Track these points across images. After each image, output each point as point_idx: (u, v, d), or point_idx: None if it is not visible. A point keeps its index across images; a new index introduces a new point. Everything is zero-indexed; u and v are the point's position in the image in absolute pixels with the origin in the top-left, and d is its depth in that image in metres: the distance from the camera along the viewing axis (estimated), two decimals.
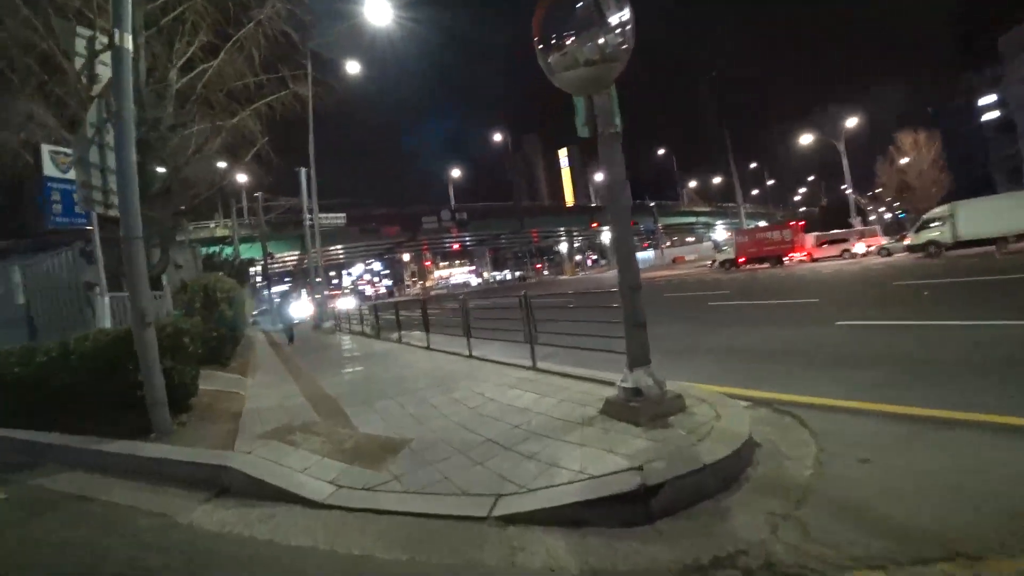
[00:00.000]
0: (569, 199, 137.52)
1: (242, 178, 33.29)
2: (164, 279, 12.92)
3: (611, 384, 5.23)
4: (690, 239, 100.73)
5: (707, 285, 24.13)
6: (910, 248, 27.61)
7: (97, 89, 7.12)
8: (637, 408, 4.46)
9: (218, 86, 13.28)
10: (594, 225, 61.99)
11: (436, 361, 9.09)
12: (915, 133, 51.19)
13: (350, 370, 9.23)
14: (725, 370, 6.80)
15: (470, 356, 8.94)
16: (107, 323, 8.33)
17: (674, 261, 70.90)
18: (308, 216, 23.37)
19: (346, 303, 42.04)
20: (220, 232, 41.42)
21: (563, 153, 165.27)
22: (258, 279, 37.99)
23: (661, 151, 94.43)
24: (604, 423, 4.61)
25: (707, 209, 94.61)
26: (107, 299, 8.40)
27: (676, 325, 11.42)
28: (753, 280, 24.04)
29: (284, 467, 4.49)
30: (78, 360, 6.23)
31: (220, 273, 10.40)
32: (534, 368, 7.17)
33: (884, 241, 34.45)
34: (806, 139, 50.40)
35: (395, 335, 13.45)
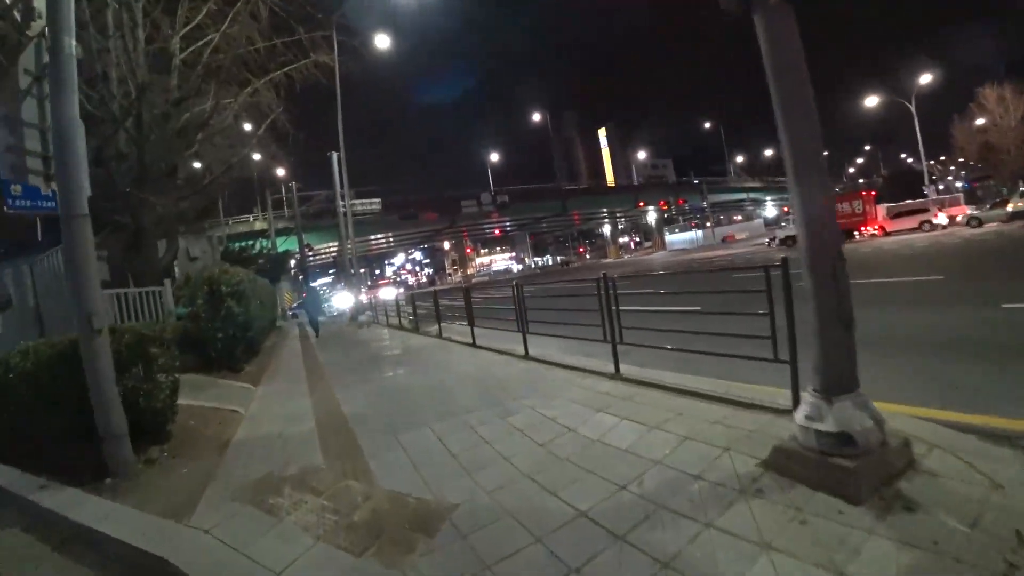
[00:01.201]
0: (609, 180, 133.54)
1: (280, 172, 32.43)
2: (176, 271, 11.59)
3: (756, 408, 3.45)
4: (737, 217, 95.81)
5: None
6: (1015, 215, 24.22)
7: (37, 27, 5.52)
8: (850, 470, 2.52)
9: (227, 54, 11.68)
10: (640, 204, 58.96)
11: (484, 363, 7.26)
12: (1000, 87, 45.89)
13: (378, 376, 7.50)
14: (896, 374, 4.77)
15: (526, 357, 7.09)
16: None
17: (724, 240, 67.01)
18: (341, 202, 21.87)
19: (389, 293, 40.93)
20: (259, 225, 40.80)
21: (602, 133, 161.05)
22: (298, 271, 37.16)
23: (707, 124, 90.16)
24: (784, 492, 2.68)
25: (757, 185, 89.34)
26: None
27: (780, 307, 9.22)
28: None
29: (255, 564, 2.76)
30: (16, 380, 4.71)
31: (227, 265, 8.86)
32: (619, 377, 5.25)
33: (970, 210, 30.74)
34: (871, 101, 45.77)
35: (434, 328, 11.72)
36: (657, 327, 4.95)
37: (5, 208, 6.61)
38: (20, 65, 5.42)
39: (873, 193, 35.54)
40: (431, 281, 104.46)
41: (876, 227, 32.12)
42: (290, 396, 6.89)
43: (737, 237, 71.66)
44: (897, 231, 31.72)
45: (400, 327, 15.32)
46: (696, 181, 75.00)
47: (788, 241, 36.71)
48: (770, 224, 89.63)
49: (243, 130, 14.11)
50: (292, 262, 35.93)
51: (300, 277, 31.04)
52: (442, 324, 11.37)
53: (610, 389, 4.92)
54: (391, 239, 68.32)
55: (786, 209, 54.64)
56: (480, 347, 8.67)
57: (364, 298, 27.68)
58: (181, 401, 6.31)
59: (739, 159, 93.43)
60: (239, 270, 9.24)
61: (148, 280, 9.15)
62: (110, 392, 4.46)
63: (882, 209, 34.33)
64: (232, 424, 5.73)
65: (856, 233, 32.14)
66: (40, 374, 4.66)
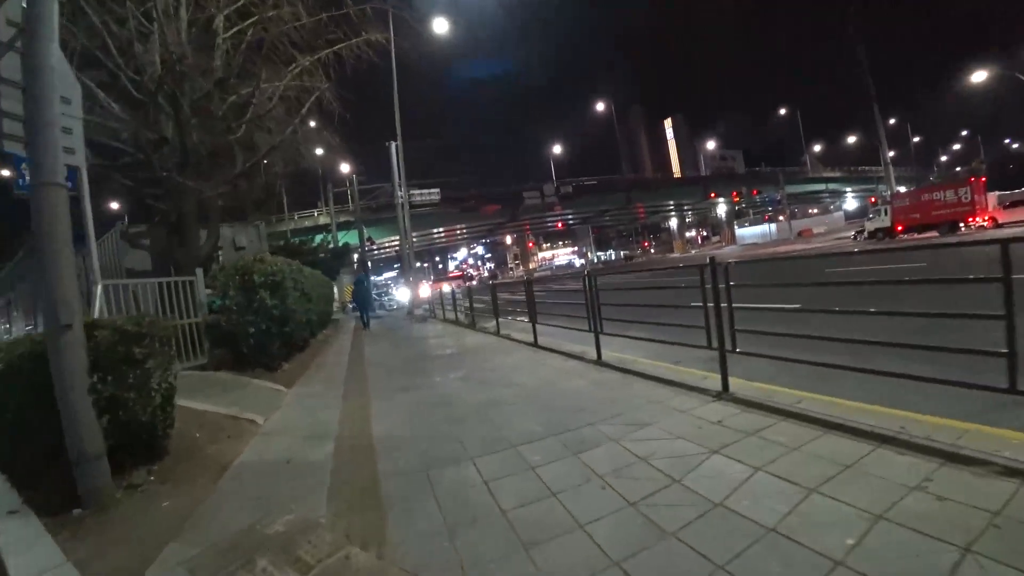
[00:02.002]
0: (676, 172, 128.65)
1: (345, 168, 32.36)
2: (221, 262, 11.01)
3: (986, 466, 2.15)
4: (813, 210, 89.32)
5: (884, 258, 19.03)
6: None
7: None
8: None
9: (272, 31, 10.93)
10: (712, 195, 55.69)
11: (548, 369, 6.00)
12: None
13: (423, 383, 6.36)
14: None
15: (599, 362, 5.79)
16: (104, 315, 6.12)
17: (800, 234, 62.24)
18: (399, 192, 21.16)
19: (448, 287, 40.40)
20: (323, 220, 41.19)
21: (668, 123, 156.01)
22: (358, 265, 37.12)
23: (781, 111, 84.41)
24: None
25: (837, 175, 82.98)
26: (99, 288, 6.17)
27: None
28: (951, 254, 18.59)
29: None
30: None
31: (268, 255, 8.01)
32: (728, 397, 3.88)
33: None
34: (978, 76, 40.76)
35: (492, 324, 10.57)
36: (777, 330, 3.56)
37: (13, 192, 5.92)
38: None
39: (983, 180, 31.55)
40: (492, 275, 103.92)
41: (986, 218, 28.39)
42: (320, 404, 5.88)
43: (814, 231, 66.86)
44: (1012, 222, 27.95)
45: (456, 322, 14.31)
46: (771, 170, 70.52)
47: (878, 233, 33.32)
48: (852, 217, 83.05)
49: (292, 114, 13.40)
50: (356, 256, 36.00)
51: (363, 271, 30.85)
52: (500, 320, 10.20)
53: (722, 415, 3.55)
54: (461, 231, 67.97)
55: (873, 200, 49.95)
56: (543, 348, 7.43)
57: (427, 291, 27.14)
58: (197, 406, 5.48)
59: (816, 148, 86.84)
60: (278, 259, 8.40)
61: (189, 271, 8.49)
62: (80, 404, 3.55)
63: (992, 197, 30.46)
64: (243, 439, 4.74)
65: (962, 225, 28.56)
66: (13, 375, 3.81)
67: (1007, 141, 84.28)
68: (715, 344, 3.99)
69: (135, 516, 3.41)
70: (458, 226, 59.44)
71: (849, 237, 40.43)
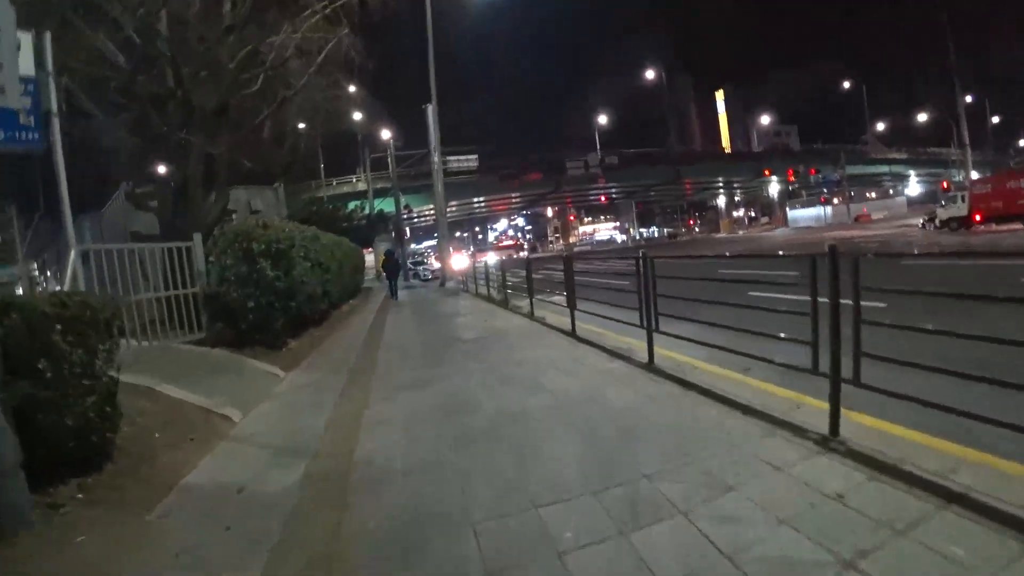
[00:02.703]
0: (726, 147, 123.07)
1: (387, 134, 31.45)
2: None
3: None
4: (870, 193, 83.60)
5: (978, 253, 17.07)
6: None
7: None
8: None
9: None
10: (767, 172, 52.41)
11: (587, 371, 4.93)
12: None
13: (436, 379, 5.36)
14: None
15: (650, 366, 4.68)
16: (79, 285, 5.34)
17: (857, 219, 58.14)
18: (434, 156, 20.13)
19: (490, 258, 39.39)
20: (362, 186, 40.60)
21: (719, 95, 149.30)
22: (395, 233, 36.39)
23: (845, 84, 78.71)
24: None
25: (903, 156, 77.20)
26: (73, 253, 5.38)
27: None
28: None
29: None
30: None
31: (272, 219, 7.10)
32: (841, 445, 2.71)
33: None
34: None
35: (525, 304, 9.55)
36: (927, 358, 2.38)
37: None
38: None
39: None
40: (532, 247, 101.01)
41: None
42: (311, 400, 4.98)
43: (872, 217, 62.72)
44: None
45: (488, 298, 13.31)
46: (831, 148, 66.26)
47: (951, 223, 30.40)
48: (915, 203, 77.27)
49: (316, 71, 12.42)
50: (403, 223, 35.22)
51: (396, 240, 30.14)
52: (536, 299, 9.13)
53: (840, 482, 2.41)
54: (501, 201, 66.44)
55: (945, 185, 45.97)
56: (581, 340, 6.34)
57: (465, 261, 26.17)
58: (174, 392, 4.66)
59: (879, 127, 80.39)
60: (288, 225, 7.55)
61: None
62: None
63: None
64: (208, 444, 3.88)
65: None
66: None
67: None
68: (825, 368, 2.83)
69: (39, 554, 2.58)
70: (498, 196, 58.10)
71: (913, 225, 37.37)
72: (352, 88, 13.27)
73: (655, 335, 4.74)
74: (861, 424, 2.93)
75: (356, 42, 11.79)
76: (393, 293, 16.90)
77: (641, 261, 4.71)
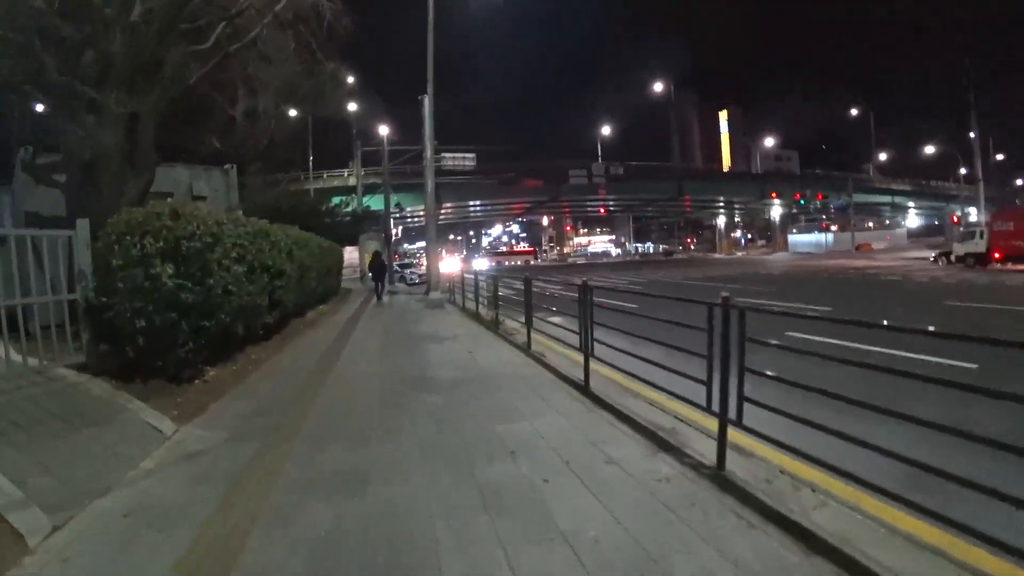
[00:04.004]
0: (726, 167, 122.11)
1: (384, 130, 29.50)
2: None
3: None
4: (868, 223, 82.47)
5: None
6: None
7: None
8: None
9: None
10: (773, 195, 50.86)
11: (624, 485, 3.04)
12: None
13: (379, 467, 3.49)
14: None
15: (724, 478, 2.86)
16: None
17: (858, 248, 56.92)
18: (427, 149, 18.26)
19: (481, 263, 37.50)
20: (353, 181, 38.65)
21: (723, 116, 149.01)
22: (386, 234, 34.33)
23: (852, 111, 77.63)
24: None
25: (906, 188, 76.08)
26: None
27: None
28: None
29: None
30: None
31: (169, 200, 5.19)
32: None
33: None
34: None
35: (519, 328, 7.77)
36: None
37: None
38: None
39: None
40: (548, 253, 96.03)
41: None
42: (182, 499, 3.09)
43: (873, 246, 61.68)
44: None
45: (476, 316, 11.46)
46: (838, 174, 65.11)
47: (968, 260, 28.89)
48: (915, 235, 76.37)
49: (300, 46, 10.68)
50: (391, 222, 33.11)
51: (383, 239, 28.23)
52: (534, 321, 7.30)
53: None
54: (498, 205, 64.32)
55: (955, 219, 44.68)
56: (602, 403, 4.53)
57: (456, 265, 24.24)
58: None
59: (881, 157, 79.12)
60: (214, 215, 5.71)
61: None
62: None
63: None
64: None
65: None
66: None
67: None
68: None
69: None
70: (495, 200, 56.24)
71: (921, 257, 35.95)
72: (331, 65, 11.49)
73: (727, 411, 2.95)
74: None
75: (337, 13, 10.00)
76: (378, 296, 16.51)
77: (721, 310, 2.90)
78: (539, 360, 6.49)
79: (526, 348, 7.23)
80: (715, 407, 3.05)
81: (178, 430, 4.28)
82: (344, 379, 6.05)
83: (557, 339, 6.63)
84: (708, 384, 3.17)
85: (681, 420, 3.93)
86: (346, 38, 10.18)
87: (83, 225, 5.12)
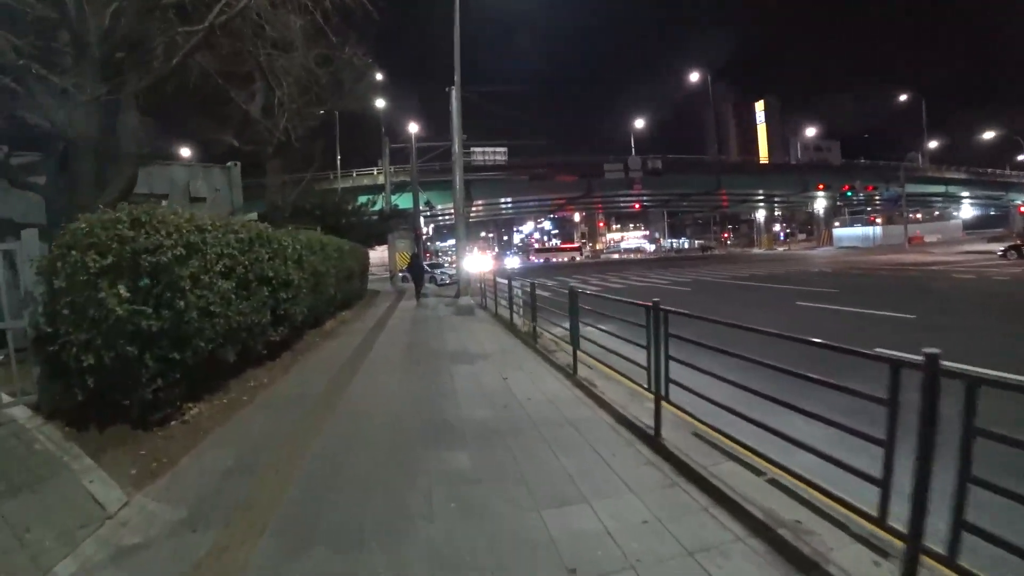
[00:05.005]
0: (763, 159, 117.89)
1: (414, 128, 28.67)
2: None
3: None
4: (916, 215, 77.82)
5: None
6: None
7: None
8: None
9: None
10: (820, 187, 47.88)
11: None
12: None
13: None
14: None
15: None
16: None
17: (910, 242, 53.23)
18: (455, 143, 17.25)
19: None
20: (382, 180, 37.99)
21: (759, 106, 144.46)
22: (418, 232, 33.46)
23: (892, 98, 73.10)
24: None
25: (962, 176, 71.61)
26: None
27: None
28: None
29: None
30: None
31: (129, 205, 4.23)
32: None
33: None
34: None
35: (560, 346, 6.61)
36: None
37: None
38: None
39: None
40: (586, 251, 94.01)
41: None
42: None
43: (925, 239, 58.14)
44: None
45: (510, 325, 10.35)
46: (889, 163, 61.64)
47: None
48: (971, 227, 71.86)
49: (318, 34, 9.82)
50: (421, 220, 32.24)
51: (411, 238, 27.37)
52: (579, 345, 6.12)
53: None
54: (531, 202, 62.85)
55: (1023, 209, 41.37)
56: (685, 468, 3.36)
57: (488, 264, 23.17)
58: None
59: (931, 144, 74.43)
60: (196, 217, 4.73)
61: None
62: None
63: None
64: None
65: None
66: None
67: None
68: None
69: None
70: (526, 197, 54.98)
71: (984, 252, 33.17)
72: (349, 51, 10.50)
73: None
74: None
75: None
76: (418, 298, 16.86)
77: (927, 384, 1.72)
78: (589, 391, 5.32)
79: (571, 372, 6.08)
80: (902, 525, 1.86)
81: (127, 503, 3.28)
82: (349, 418, 4.99)
83: (607, 352, 5.40)
84: (884, 486, 1.97)
85: (808, 505, 2.73)
86: (364, 21, 9.15)
87: (30, 236, 4.19)
